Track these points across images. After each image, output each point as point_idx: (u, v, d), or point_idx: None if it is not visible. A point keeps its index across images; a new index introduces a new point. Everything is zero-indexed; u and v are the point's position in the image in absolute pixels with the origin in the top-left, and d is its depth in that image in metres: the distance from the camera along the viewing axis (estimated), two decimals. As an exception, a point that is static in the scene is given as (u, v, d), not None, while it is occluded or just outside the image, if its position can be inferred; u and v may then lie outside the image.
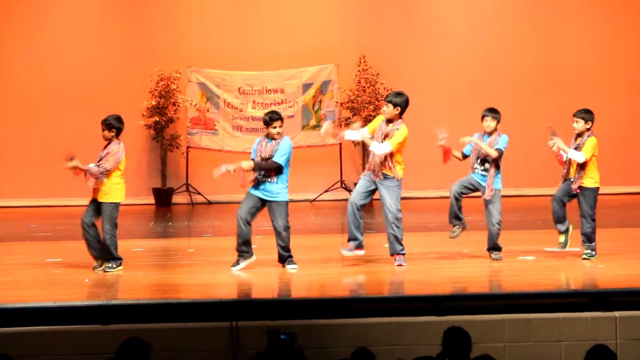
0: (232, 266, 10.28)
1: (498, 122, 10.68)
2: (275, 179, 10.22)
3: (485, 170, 10.60)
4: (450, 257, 10.77)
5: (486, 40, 18.69)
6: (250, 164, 10.27)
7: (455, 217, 10.74)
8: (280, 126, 10.28)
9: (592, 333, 8.28)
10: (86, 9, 18.63)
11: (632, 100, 18.70)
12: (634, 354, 8.07)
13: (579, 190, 10.47)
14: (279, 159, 10.19)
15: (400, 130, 10.42)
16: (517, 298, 8.82)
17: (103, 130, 10.40)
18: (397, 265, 10.32)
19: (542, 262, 10.57)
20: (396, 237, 10.36)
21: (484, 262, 10.62)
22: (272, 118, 10.29)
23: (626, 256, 10.76)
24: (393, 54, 18.49)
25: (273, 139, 10.28)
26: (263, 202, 10.28)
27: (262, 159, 10.24)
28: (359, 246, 10.49)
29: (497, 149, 10.56)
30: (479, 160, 10.67)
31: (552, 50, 18.68)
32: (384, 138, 10.37)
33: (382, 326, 8.33)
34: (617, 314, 8.45)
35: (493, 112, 10.72)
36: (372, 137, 10.45)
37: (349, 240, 10.49)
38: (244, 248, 10.28)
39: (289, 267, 10.29)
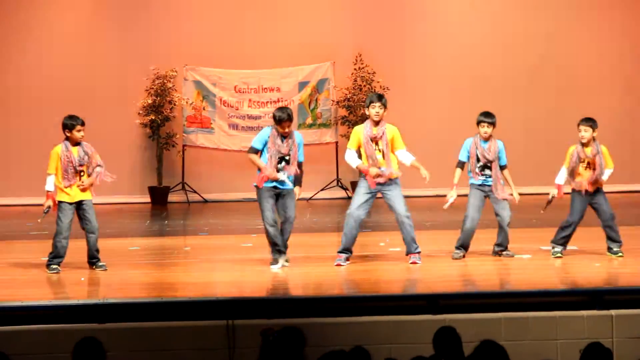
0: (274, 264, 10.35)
1: (494, 127, 10.73)
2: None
3: (486, 175, 10.66)
4: (447, 256, 10.77)
5: (483, 39, 18.69)
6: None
7: (467, 246, 10.75)
8: (289, 126, 10.28)
9: (588, 331, 8.28)
10: (83, 7, 18.62)
11: (629, 98, 18.73)
12: (630, 352, 8.07)
13: (591, 190, 10.54)
14: (302, 156, 10.39)
15: (395, 129, 10.49)
16: (513, 296, 8.82)
17: (80, 130, 10.27)
18: (412, 263, 10.34)
19: (538, 260, 10.58)
20: (413, 238, 10.42)
21: (480, 260, 10.62)
22: (281, 119, 10.23)
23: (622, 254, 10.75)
24: (389, 53, 18.50)
25: (281, 138, 10.29)
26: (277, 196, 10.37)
27: (281, 153, 10.24)
28: (349, 257, 10.53)
29: (502, 166, 10.74)
30: (480, 166, 10.69)
31: (549, 49, 18.68)
32: (376, 142, 10.36)
33: (378, 325, 8.33)
34: (613, 312, 8.45)
35: (490, 116, 10.75)
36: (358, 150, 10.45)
37: (344, 251, 10.45)
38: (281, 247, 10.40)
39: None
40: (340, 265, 10.32)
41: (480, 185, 10.71)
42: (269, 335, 6.70)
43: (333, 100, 18.37)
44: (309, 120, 18.49)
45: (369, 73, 18.09)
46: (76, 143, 10.27)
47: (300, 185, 10.40)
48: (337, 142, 18.35)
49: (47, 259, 10.28)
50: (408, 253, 10.45)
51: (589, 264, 10.30)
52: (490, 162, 10.69)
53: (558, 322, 8.41)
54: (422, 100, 18.46)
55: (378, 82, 17.98)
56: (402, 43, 18.66)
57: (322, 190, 18.23)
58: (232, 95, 18.48)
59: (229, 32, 18.49)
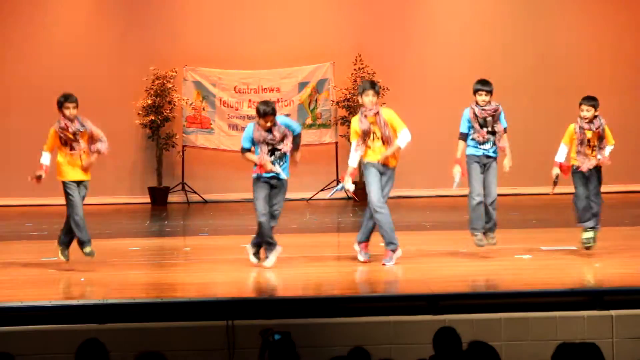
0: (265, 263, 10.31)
1: (492, 95, 10.66)
2: None
3: (491, 142, 10.55)
4: (446, 256, 10.76)
5: (482, 39, 18.70)
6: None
7: (482, 226, 10.56)
8: (272, 121, 10.18)
9: (588, 332, 8.28)
10: (82, 8, 18.63)
11: (628, 98, 18.73)
12: (630, 352, 8.07)
13: (592, 167, 10.54)
14: (297, 127, 10.34)
15: (391, 111, 10.52)
16: (513, 297, 8.82)
17: (74, 108, 10.30)
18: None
19: (539, 261, 10.57)
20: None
21: (480, 260, 10.61)
22: (265, 112, 10.16)
23: (622, 255, 10.75)
24: (389, 53, 18.50)
25: (266, 130, 10.22)
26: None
27: (271, 144, 10.18)
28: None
29: (504, 128, 10.63)
30: (487, 130, 10.58)
31: (549, 48, 18.70)
32: (373, 131, 10.35)
33: (378, 325, 8.33)
34: (613, 312, 8.45)
35: (487, 84, 10.75)
36: (365, 140, 10.37)
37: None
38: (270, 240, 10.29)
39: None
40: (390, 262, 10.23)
41: (480, 156, 10.53)
42: (269, 336, 6.70)
43: (333, 101, 18.37)
44: (309, 121, 18.48)
45: (369, 73, 18.09)
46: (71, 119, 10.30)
47: (297, 150, 10.32)
48: (337, 143, 18.35)
49: (61, 236, 10.31)
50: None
51: (589, 264, 10.30)
52: (493, 120, 10.53)
53: (558, 322, 8.40)
54: (422, 100, 18.45)
55: (378, 82, 17.94)
56: (402, 43, 18.66)
57: (322, 190, 18.22)
58: (232, 96, 18.49)
59: (229, 32, 18.49)
